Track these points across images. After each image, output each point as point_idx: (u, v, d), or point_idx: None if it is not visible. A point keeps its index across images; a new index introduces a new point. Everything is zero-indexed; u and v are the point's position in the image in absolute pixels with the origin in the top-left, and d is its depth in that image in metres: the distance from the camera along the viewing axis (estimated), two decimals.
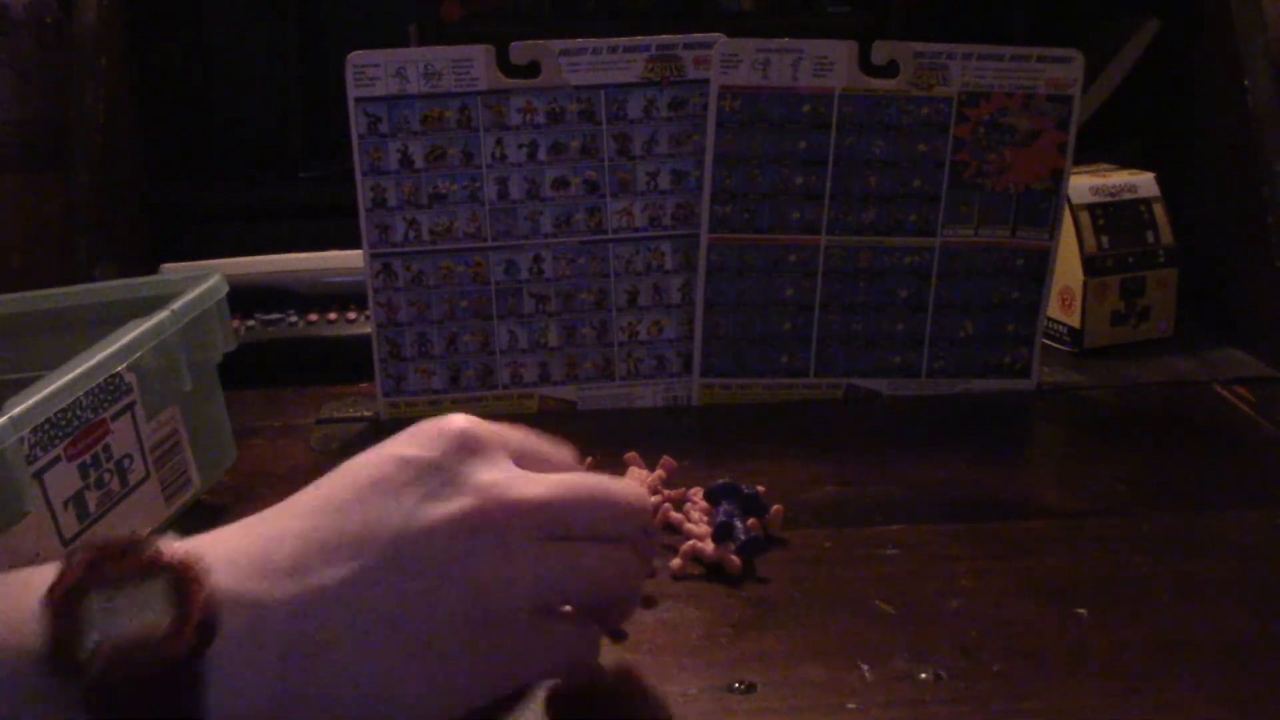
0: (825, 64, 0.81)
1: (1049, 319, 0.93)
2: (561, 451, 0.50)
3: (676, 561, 0.62)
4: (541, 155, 0.82)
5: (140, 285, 0.74)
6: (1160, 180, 0.94)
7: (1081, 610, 0.57)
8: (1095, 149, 0.97)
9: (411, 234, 0.83)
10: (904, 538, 0.65)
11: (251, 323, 0.94)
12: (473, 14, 1.15)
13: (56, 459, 0.57)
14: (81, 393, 0.58)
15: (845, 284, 0.85)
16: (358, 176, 0.82)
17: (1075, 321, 0.92)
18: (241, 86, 1.20)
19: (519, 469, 0.46)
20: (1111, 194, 0.92)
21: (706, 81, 0.82)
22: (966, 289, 0.85)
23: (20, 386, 0.57)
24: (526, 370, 0.85)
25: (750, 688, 0.52)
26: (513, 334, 0.84)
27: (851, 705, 0.50)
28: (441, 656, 0.42)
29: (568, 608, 0.46)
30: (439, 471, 0.44)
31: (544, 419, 0.84)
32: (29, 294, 0.76)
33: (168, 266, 0.93)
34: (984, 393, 0.86)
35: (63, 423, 0.57)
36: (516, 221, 0.83)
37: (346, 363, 0.90)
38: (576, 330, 0.85)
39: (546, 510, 0.44)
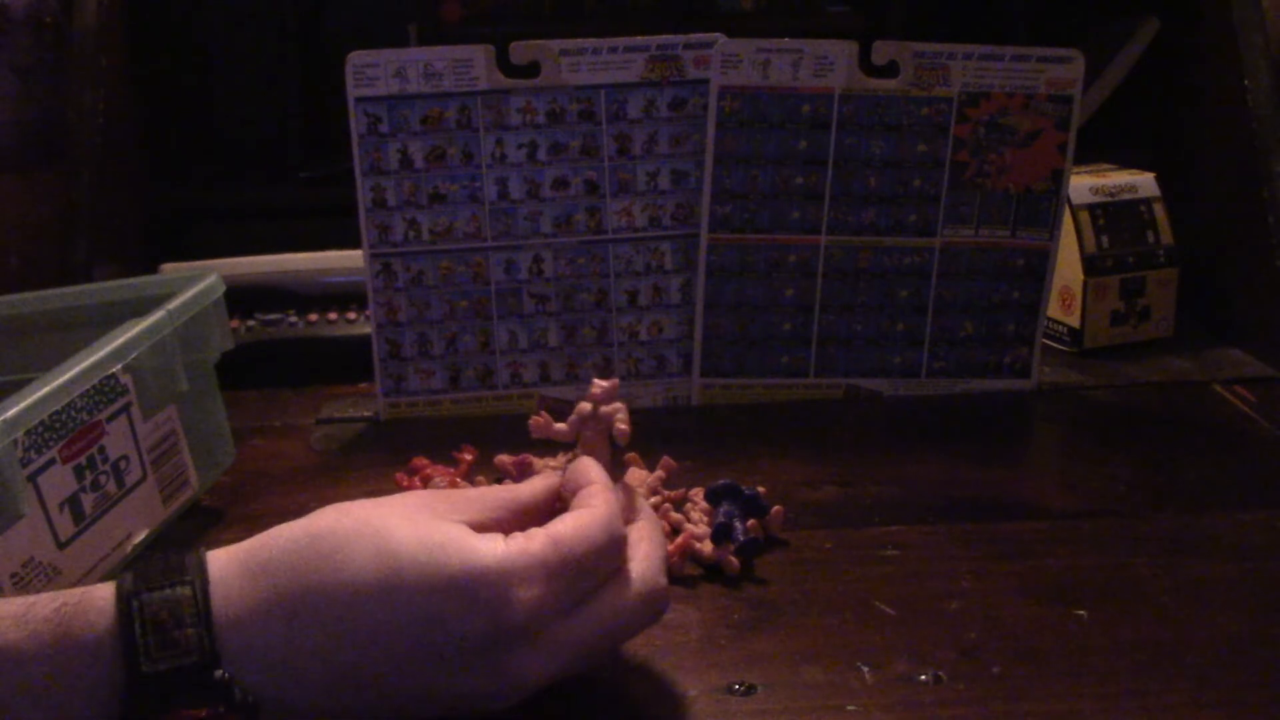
0: (825, 64, 0.81)
1: (1049, 319, 0.93)
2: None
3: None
4: (541, 155, 0.82)
5: (139, 285, 0.74)
6: (1160, 180, 0.94)
7: (1081, 611, 0.57)
8: (1095, 149, 0.97)
9: (411, 234, 0.82)
10: (904, 538, 0.65)
11: (251, 323, 0.94)
12: (473, 14, 1.15)
13: (51, 461, 0.57)
14: (76, 394, 0.58)
15: (845, 284, 0.85)
16: (358, 176, 0.82)
17: (1075, 321, 0.92)
18: (241, 86, 1.20)
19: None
20: (1111, 194, 0.92)
21: (706, 81, 0.82)
22: (966, 289, 0.85)
23: (17, 388, 0.56)
24: (526, 370, 0.85)
25: (750, 689, 0.52)
26: (513, 334, 0.84)
27: (852, 707, 0.50)
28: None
29: None
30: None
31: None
32: (28, 294, 0.76)
33: (167, 266, 0.93)
34: (984, 393, 0.86)
35: (57, 425, 0.57)
36: (516, 221, 0.83)
37: (346, 363, 0.90)
38: (576, 330, 0.85)
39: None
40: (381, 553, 0.45)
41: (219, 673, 0.43)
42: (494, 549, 0.45)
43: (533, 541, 0.46)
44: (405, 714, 0.46)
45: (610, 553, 0.48)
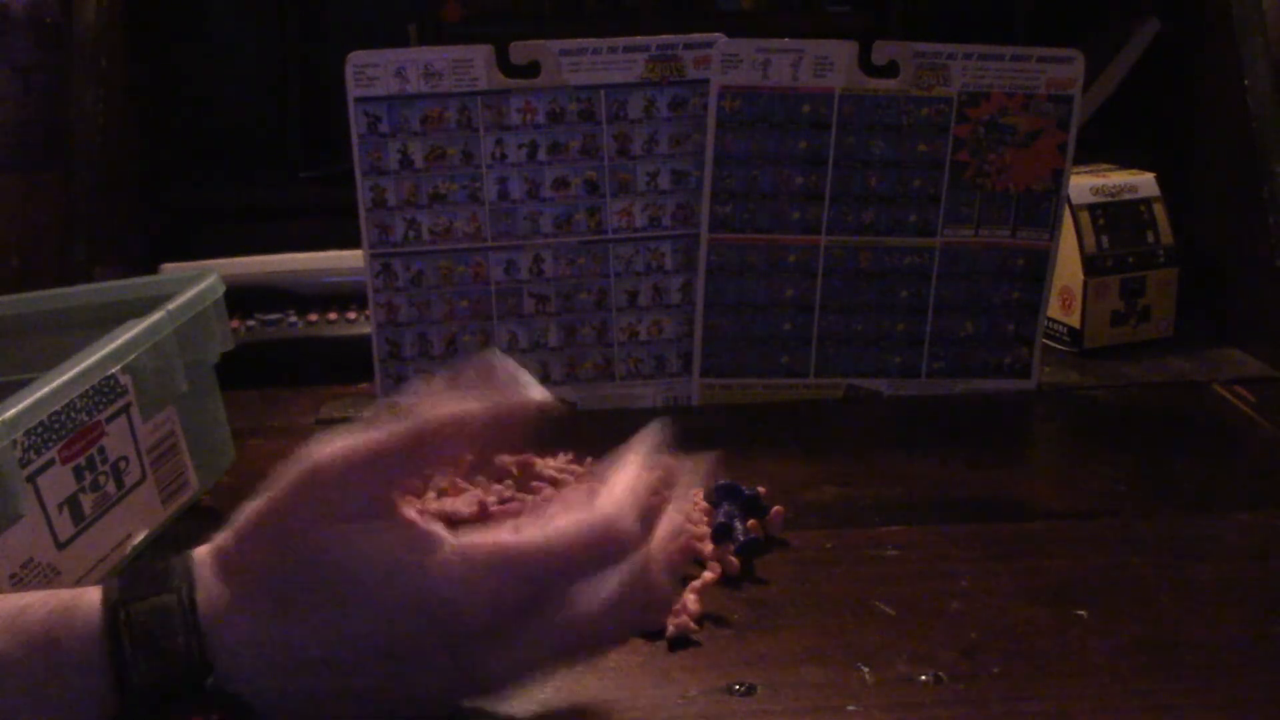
0: (825, 64, 0.81)
1: (1049, 319, 0.93)
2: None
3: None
4: (541, 155, 0.82)
5: (138, 285, 0.74)
6: (1160, 180, 0.94)
7: (1081, 612, 0.57)
8: (1095, 149, 0.97)
9: (411, 234, 0.82)
10: (904, 538, 0.65)
11: (251, 323, 0.94)
12: (473, 14, 1.15)
13: (51, 462, 0.57)
14: (75, 395, 0.58)
15: (845, 284, 0.85)
16: (358, 176, 0.82)
17: (1075, 321, 0.92)
18: (241, 86, 1.20)
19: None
20: (1111, 194, 0.92)
21: (706, 81, 0.82)
22: (966, 289, 0.85)
23: (17, 388, 0.56)
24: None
25: (750, 689, 0.52)
26: (513, 334, 0.84)
27: (852, 707, 0.50)
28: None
29: None
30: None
31: (543, 419, 0.83)
32: (28, 294, 0.76)
33: (167, 266, 0.93)
34: (984, 393, 0.86)
35: (57, 425, 0.57)
36: (516, 221, 0.83)
37: (346, 363, 0.90)
38: (576, 330, 0.85)
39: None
40: (343, 575, 0.45)
41: (209, 681, 0.43)
42: (447, 568, 0.45)
43: (483, 545, 0.45)
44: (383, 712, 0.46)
45: (594, 554, 0.46)
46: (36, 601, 0.45)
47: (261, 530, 0.45)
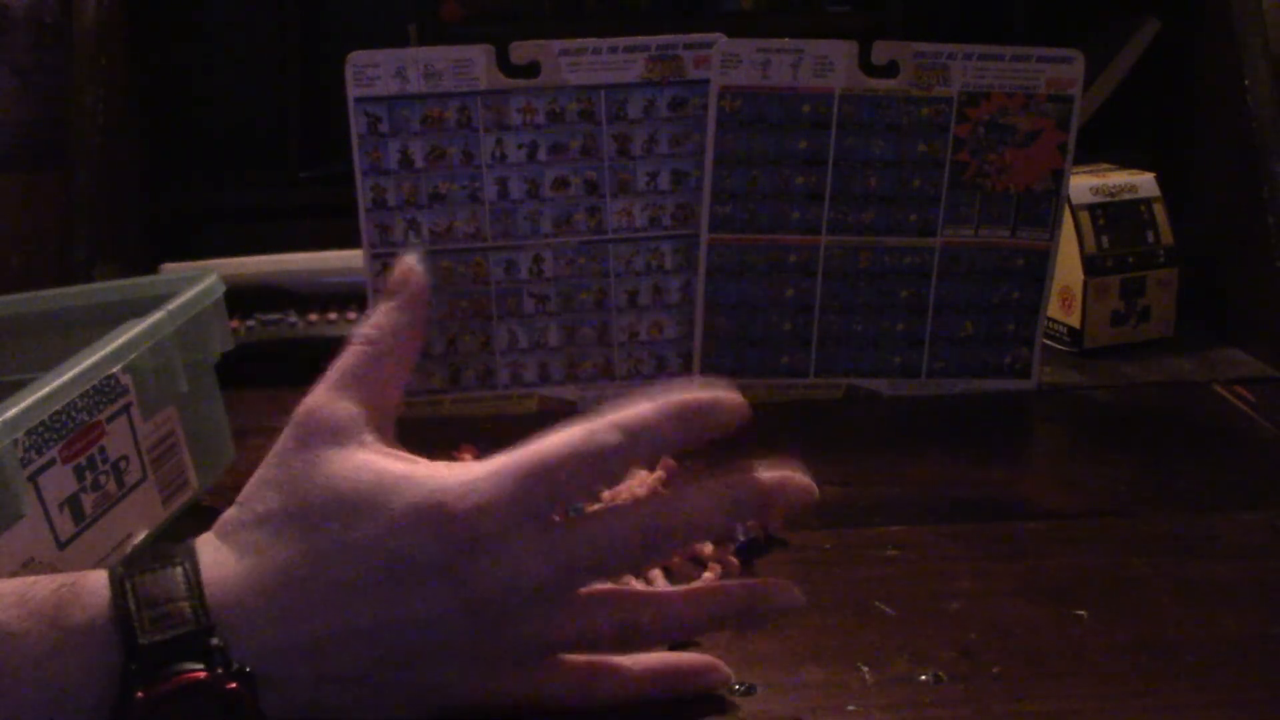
0: (825, 64, 0.81)
1: (1049, 319, 0.93)
2: None
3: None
4: (541, 155, 0.82)
5: (138, 285, 0.74)
6: (1160, 180, 0.94)
7: (1081, 612, 0.57)
8: (1095, 149, 0.97)
9: (411, 234, 0.82)
10: (904, 538, 0.65)
11: (251, 323, 0.94)
12: (473, 14, 1.15)
13: (51, 461, 0.57)
14: (76, 394, 0.58)
15: (845, 284, 0.85)
16: (358, 176, 0.82)
17: (1075, 321, 0.92)
18: (241, 87, 1.20)
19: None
20: (1111, 194, 0.92)
21: (706, 81, 0.82)
22: (966, 289, 0.85)
23: (17, 388, 0.56)
24: (526, 370, 0.85)
25: (750, 689, 0.52)
26: (513, 334, 0.84)
27: (852, 707, 0.50)
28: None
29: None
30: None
31: (544, 419, 0.83)
32: (28, 294, 0.76)
33: (167, 266, 0.93)
34: (984, 393, 0.86)
35: (57, 425, 0.57)
36: (516, 221, 0.83)
37: None
38: (576, 330, 0.85)
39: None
40: (342, 494, 0.47)
41: (214, 640, 0.44)
42: (435, 479, 0.47)
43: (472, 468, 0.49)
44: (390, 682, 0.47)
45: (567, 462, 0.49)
46: (44, 579, 0.46)
47: (264, 484, 0.48)
